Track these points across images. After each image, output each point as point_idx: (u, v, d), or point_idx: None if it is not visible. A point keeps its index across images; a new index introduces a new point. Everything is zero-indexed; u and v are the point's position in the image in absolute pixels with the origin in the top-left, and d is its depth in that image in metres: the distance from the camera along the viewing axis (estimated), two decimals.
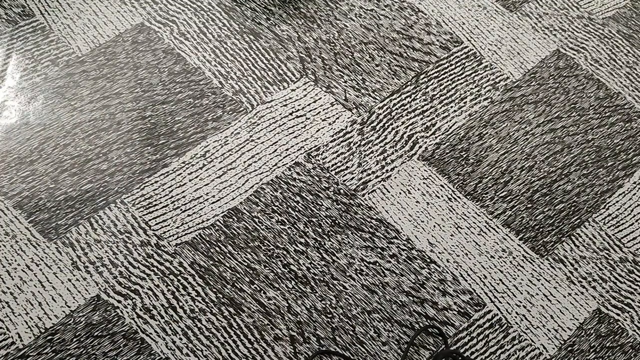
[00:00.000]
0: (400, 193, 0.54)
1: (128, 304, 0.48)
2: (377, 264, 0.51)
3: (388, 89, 0.59)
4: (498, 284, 0.51)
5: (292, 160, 0.54)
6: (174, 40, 0.59)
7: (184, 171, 0.53)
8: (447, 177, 0.55)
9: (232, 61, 0.59)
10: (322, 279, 0.50)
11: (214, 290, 0.49)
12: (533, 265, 0.52)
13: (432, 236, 0.52)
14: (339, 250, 0.51)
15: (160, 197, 0.52)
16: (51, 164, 0.53)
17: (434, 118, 0.58)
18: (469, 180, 0.55)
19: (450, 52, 0.61)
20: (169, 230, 0.50)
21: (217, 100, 0.57)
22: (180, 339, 0.47)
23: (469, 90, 0.59)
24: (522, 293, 0.51)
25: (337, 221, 0.52)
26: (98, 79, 0.57)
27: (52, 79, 0.56)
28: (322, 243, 0.51)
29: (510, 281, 0.51)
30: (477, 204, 0.54)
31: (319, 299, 0.49)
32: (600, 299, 0.51)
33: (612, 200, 0.55)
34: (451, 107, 0.58)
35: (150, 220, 0.51)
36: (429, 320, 0.49)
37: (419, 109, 0.58)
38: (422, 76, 0.60)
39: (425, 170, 0.55)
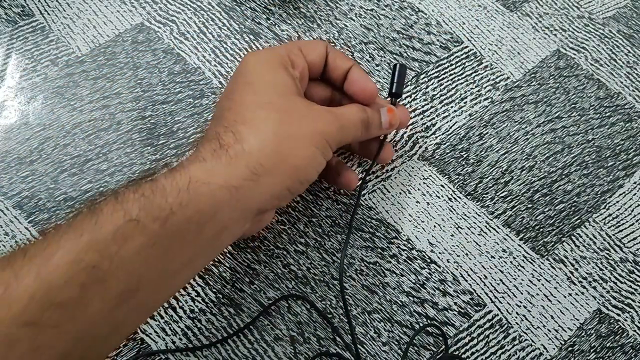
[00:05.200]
0: (400, 193, 0.54)
1: None
2: (377, 264, 0.51)
3: (388, 88, 0.59)
4: (498, 284, 0.51)
5: None
6: (173, 40, 0.59)
7: None
8: (448, 177, 0.55)
9: (232, 61, 0.59)
10: (322, 279, 0.50)
11: (214, 290, 0.49)
12: (533, 266, 0.52)
13: (432, 236, 0.52)
14: (339, 250, 0.51)
15: None
16: (51, 164, 0.53)
17: (434, 118, 0.58)
18: (469, 180, 0.55)
19: (450, 52, 0.61)
20: None
21: (217, 100, 0.56)
22: (180, 339, 0.47)
23: (469, 90, 0.59)
24: (522, 293, 0.51)
25: (337, 221, 0.52)
26: (98, 79, 0.57)
27: (51, 79, 0.56)
28: (322, 243, 0.51)
29: (510, 281, 0.51)
30: (477, 204, 0.54)
31: (319, 299, 0.49)
32: (600, 299, 0.51)
33: (613, 201, 0.55)
34: (451, 107, 0.58)
35: None
36: (429, 320, 0.49)
37: (419, 109, 0.58)
38: (422, 76, 0.60)
39: (425, 170, 0.55)
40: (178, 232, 0.34)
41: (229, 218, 0.37)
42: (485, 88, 0.60)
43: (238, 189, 0.37)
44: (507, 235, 0.53)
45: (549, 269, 0.52)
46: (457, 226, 0.53)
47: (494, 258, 0.52)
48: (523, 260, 0.52)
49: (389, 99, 0.49)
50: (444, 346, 0.48)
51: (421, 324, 0.49)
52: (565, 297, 0.51)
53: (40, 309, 0.30)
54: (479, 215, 0.53)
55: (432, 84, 0.59)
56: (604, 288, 0.51)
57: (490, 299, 0.50)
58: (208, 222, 0.36)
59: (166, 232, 0.34)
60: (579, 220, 0.54)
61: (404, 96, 0.58)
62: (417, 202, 0.54)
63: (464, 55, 0.61)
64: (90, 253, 0.31)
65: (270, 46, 0.54)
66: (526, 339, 0.49)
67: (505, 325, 0.49)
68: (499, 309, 0.50)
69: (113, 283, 0.32)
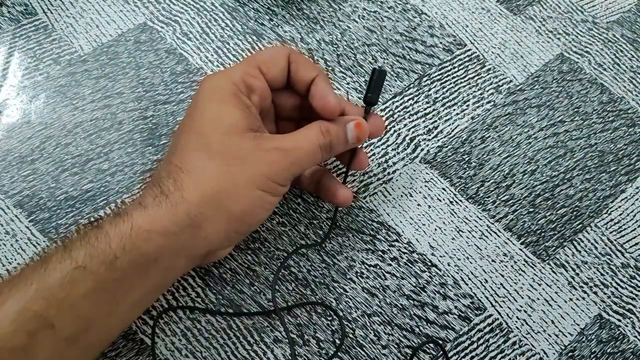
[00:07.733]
0: (401, 196, 0.54)
1: None
2: (378, 267, 0.51)
3: (390, 91, 0.59)
4: (499, 288, 0.51)
5: None
6: (176, 40, 0.59)
7: None
8: (449, 180, 0.55)
9: (235, 62, 0.59)
10: (322, 281, 0.50)
11: (214, 291, 0.49)
12: (534, 270, 0.52)
13: (433, 239, 0.52)
14: (339, 252, 0.51)
15: None
16: (52, 163, 0.53)
17: (436, 121, 0.58)
18: (471, 183, 0.55)
19: (453, 55, 0.61)
20: None
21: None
22: (180, 340, 0.47)
23: (471, 93, 0.59)
24: (523, 297, 0.50)
25: (338, 223, 0.52)
26: (100, 79, 0.57)
27: (54, 77, 0.56)
28: (323, 245, 0.51)
29: (511, 285, 0.51)
30: (478, 207, 0.54)
31: (319, 300, 0.49)
32: (601, 304, 0.51)
33: (615, 206, 0.55)
34: (454, 110, 0.58)
35: None
36: (429, 324, 0.49)
37: (421, 112, 0.58)
38: (424, 79, 0.60)
39: (427, 173, 0.55)
40: (123, 275, 0.36)
41: (173, 261, 0.39)
42: (488, 91, 0.60)
43: (179, 236, 0.38)
44: (507, 239, 0.53)
45: (550, 274, 0.52)
46: (458, 230, 0.53)
47: (495, 262, 0.52)
48: (524, 264, 0.52)
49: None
50: (442, 352, 0.48)
51: (421, 328, 0.49)
52: (566, 302, 0.51)
53: None
54: (480, 219, 0.53)
55: (434, 87, 0.59)
56: (605, 293, 0.51)
57: (491, 303, 0.50)
58: (152, 265, 0.37)
59: (112, 276, 0.36)
60: (581, 225, 0.54)
61: (405, 99, 0.58)
62: (419, 205, 0.53)
63: (467, 58, 0.61)
64: (38, 301, 0.33)
65: (237, 62, 0.52)
66: (526, 344, 0.49)
67: (506, 330, 0.49)
68: (499, 313, 0.50)
69: (62, 327, 0.34)
